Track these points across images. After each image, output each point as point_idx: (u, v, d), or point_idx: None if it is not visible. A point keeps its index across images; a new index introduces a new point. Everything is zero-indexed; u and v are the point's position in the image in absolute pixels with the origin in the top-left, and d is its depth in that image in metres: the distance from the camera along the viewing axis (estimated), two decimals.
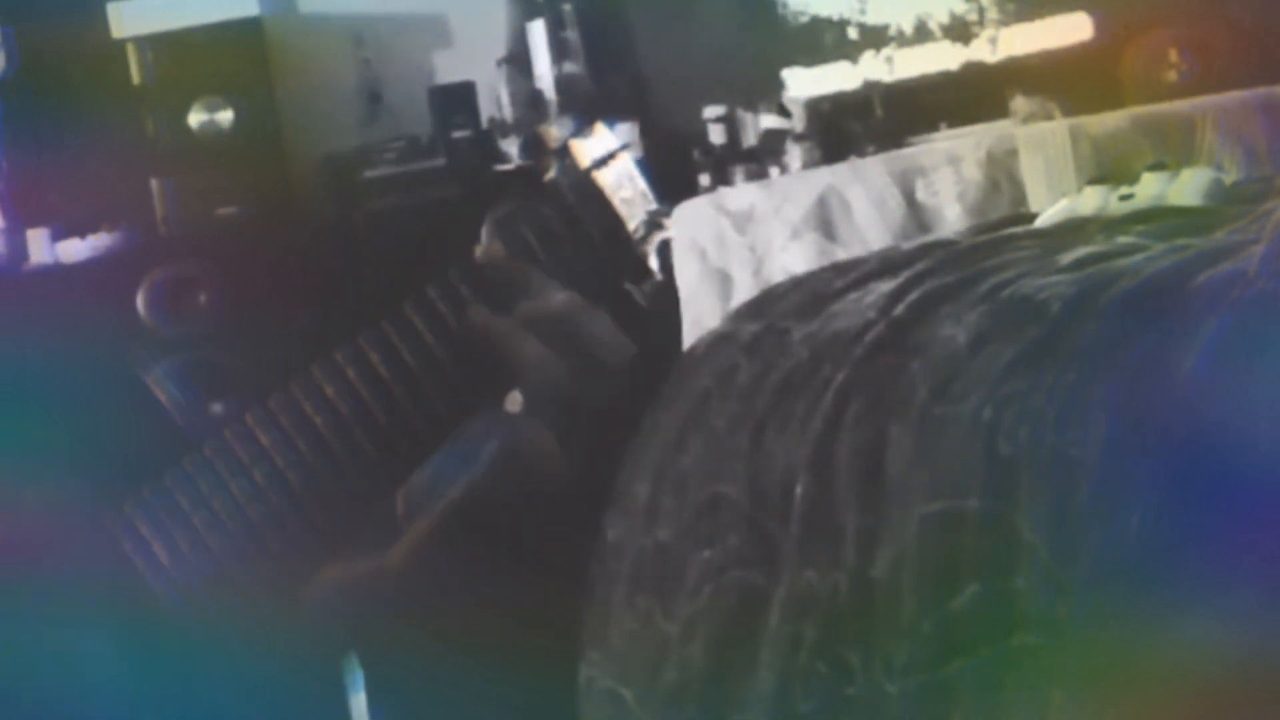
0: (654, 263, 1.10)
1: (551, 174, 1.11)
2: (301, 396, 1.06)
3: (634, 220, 1.09)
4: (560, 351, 1.08)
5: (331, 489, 1.06)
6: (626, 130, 1.16)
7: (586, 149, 1.10)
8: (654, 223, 1.09)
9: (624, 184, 1.09)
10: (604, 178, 1.09)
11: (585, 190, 1.09)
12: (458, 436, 1.12)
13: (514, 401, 1.10)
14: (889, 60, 4.46)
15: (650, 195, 1.09)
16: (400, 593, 1.14)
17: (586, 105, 4.20)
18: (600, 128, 1.11)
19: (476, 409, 1.09)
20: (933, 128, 4.27)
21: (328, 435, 1.06)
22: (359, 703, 1.20)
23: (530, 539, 1.10)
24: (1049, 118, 4.02)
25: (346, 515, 1.07)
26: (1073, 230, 1.16)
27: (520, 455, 1.09)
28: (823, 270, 1.18)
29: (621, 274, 1.10)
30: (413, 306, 1.07)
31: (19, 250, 4.37)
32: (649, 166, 1.09)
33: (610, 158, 1.09)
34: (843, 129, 4.32)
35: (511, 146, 4.46)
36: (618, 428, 1.09)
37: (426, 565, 1.14)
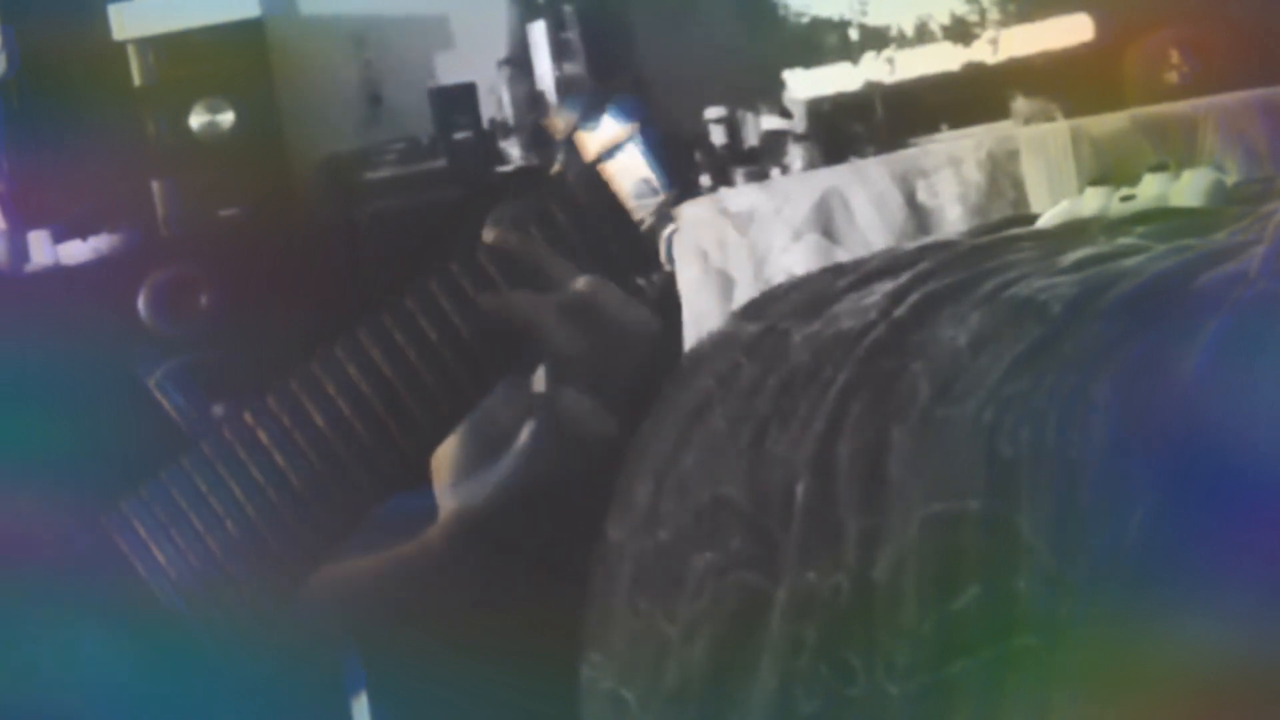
0: (664, 254, 1.09)
1: (558, 166, 1.10)
2: (301, 393, 1.05)
3: (642, 211, 1.08)
4: (584, 326, 1.07)
5: (333, 484, 1.06)
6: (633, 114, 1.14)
7: (594, 140, 1.09)
8: (663, 214, 1.08)
9: (632, 175, 1.08)
10: (611, 169, 1.08)
11: (592, 182, 1.08)
12: (482, 420, 1.11)
13: (540, 381, 1.09)
14: (890, 61, 4.46)
15: (660, 185, 1.08)
16: (429, 576, 1.14)
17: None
18: (608, 117, 1.10)
19: (474, 406, 1.08)
20: (934, 129, 4.27)
21: (328, 431, 1.05)
22: (359, 703, 1.20)
23: (580, 513, 1.09)
24: (1050, 119, 4.02)
25: (348, 511, 1.06)
26: (1074, 231, 1.16)
27: (561, 424, 1.08)
28: (824, 271, 1.18)
29: (630, 267, 1.09)
30: (415, 297, 1.06)
31: (20, 251, 4.37)
32: (658, 154, 1.08)
33: (618, 148, 1.08)
34: (844, 130, 4.32)
35: (513, 147, 4.46)
36: (645, 400, 1.08)
37: (440, 564, 1.14)
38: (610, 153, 1.08)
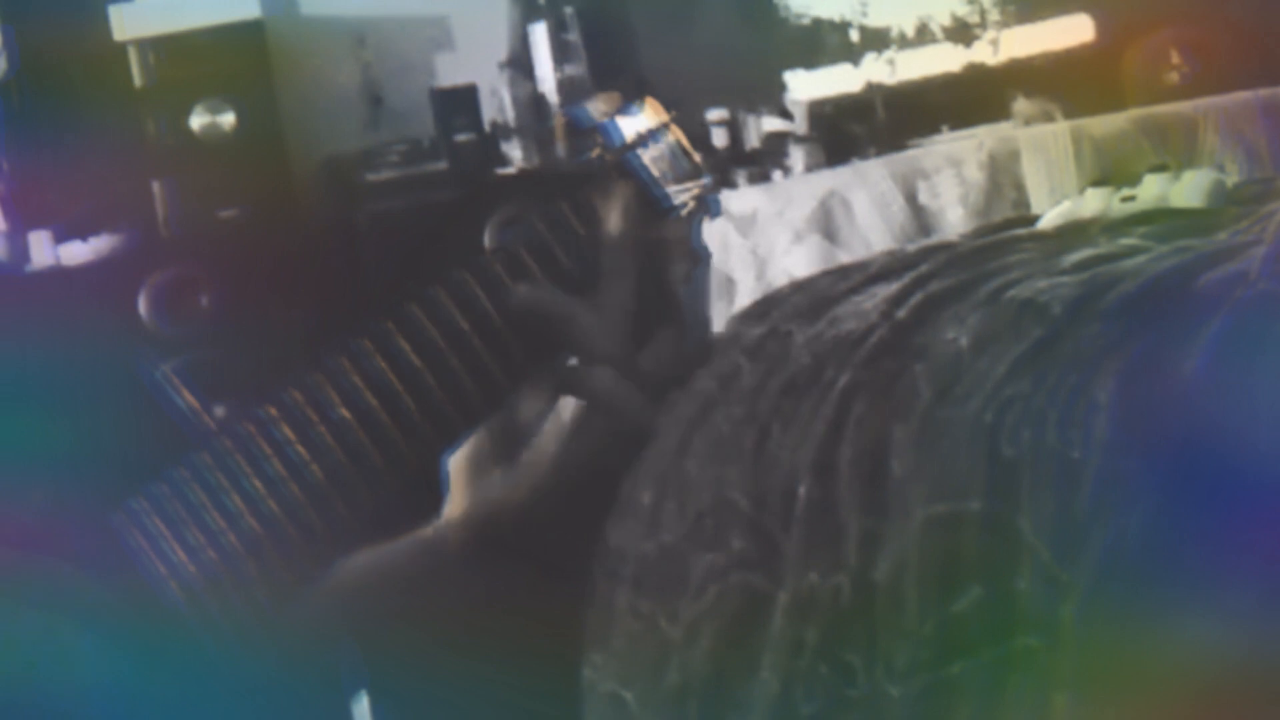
0: (702, 240, 1.09)
1: (597, 151, 1.09)
2: (325, 385, 1.05)
3: (680, 197, 1.08)
4: (610, 315, 1.06)
5: (355, 479, 1.05)
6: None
7: (632, 125, 1.09)
8: (703, 200, 1.08)
9: (671, 160, 1.08)
10: (649, 154, 1.08)
11: (630, 167, 1.08)
12: (502, 417, 1.11)
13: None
14: (891, 62, 4.46)
15: (700, 172, 1.08)
16: (435, 573, 1.14)
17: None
18: (651, 104, 1.09)
19: (503, 399, 1.08)
20: (935, 130, 4.27)
21: (354, 423, 1.05)
22: (359, 703, 1.20)
23: (583, 511, 1.09)
24: (1051, 120, 4.03)
25: (368, 506, 1.06)
26: (1075, 232, 1.16)
27: (597, 402, 1.08)
28: (825, 273, 1.18)
29: (667, 254, 1.09)
30: (446, 288, 1.06)
31: (21, 252, 4.38)
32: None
33: (658, 134, 1.08)
34: (845, 131, 4.32)
35: (514, 149, 4.46)
36: (670, 386, 1.08)
37: (449, 560, 1.14)
38: (650, 137, 1.08)
